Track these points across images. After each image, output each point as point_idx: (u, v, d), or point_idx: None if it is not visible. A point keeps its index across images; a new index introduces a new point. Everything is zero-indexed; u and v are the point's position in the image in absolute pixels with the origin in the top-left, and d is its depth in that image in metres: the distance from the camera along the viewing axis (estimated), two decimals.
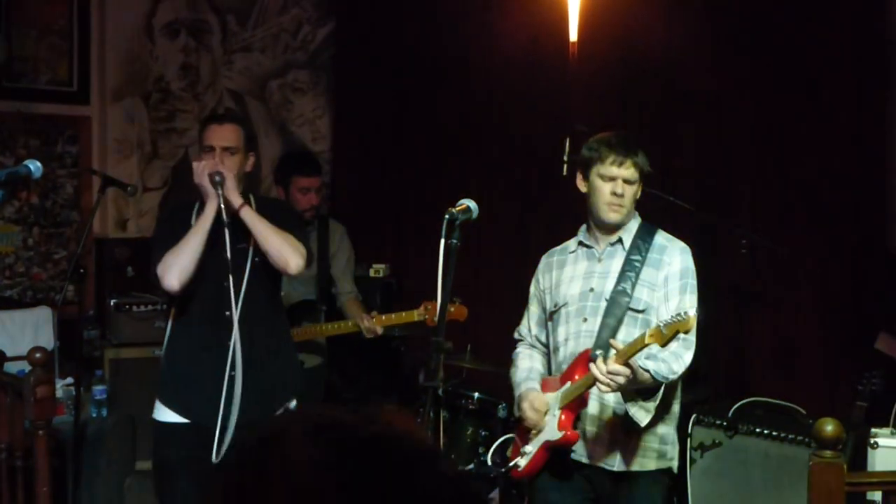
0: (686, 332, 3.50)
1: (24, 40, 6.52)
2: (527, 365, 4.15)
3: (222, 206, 4.02)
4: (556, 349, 4.03)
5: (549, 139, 6.05)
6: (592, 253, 4.02)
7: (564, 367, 3.95)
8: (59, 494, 4.81)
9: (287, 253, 4.12)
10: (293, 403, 4.34)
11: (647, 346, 3.52)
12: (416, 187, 7.14)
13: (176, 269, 4.06)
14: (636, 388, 3.69)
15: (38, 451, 4.08)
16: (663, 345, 3.50)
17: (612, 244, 3.99)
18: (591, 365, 3.58)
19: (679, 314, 3.44)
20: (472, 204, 3.08)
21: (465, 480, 3.19)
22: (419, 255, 6.16)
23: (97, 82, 6.77)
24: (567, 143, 5.25)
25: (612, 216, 3.90)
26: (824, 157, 5.87)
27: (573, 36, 5.94)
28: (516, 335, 4.28)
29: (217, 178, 4.04)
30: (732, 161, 6.17)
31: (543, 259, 4.22)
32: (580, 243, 4.07)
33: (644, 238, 3.97)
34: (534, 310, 4.21)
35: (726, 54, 6.17)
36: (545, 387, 3.99)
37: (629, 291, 3.87)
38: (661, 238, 4.00)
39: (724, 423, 4.88)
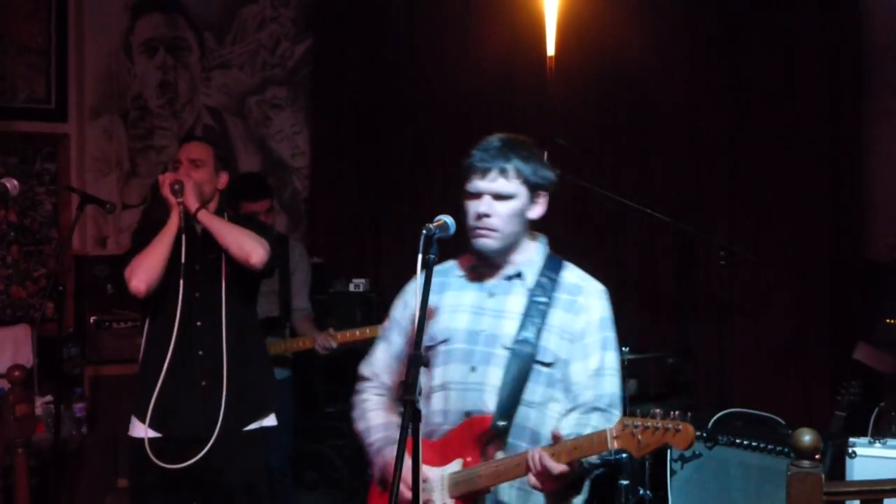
0: (685, 448, 2.79)
1: (2, 58, 6.50)
2: (381, 419, 3.28)
3: (180, 212, 4.06)
4: (427, 396, 3.20)
5: None
6: (483, 284, 3.22)
7: (437, 423, 3.16)
8: None
9: (248, 246, 4.10)
10: (270, 419, 4.33)
11: (605, 452, 2.83)
12: (395, 202, 7.16)
13: (141, 271, 4.06)
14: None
15: (17, 470, 4.05)
16: (640, 455, 2.81)
17: (510, 278, 3.21)
18: (532, 462, 2.88)
19: (669, 423, 2.72)
20: (449, 220, 3.05)
21: None
22: (398, 269, 6.17)
23: (75, 100, 6.75)
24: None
25: (479, 242, 3.13)
26: (802, 168, 5.92)
27: (551, 50, 5.97)
28: (365, 372, 3.40)
29: (176, 187, 4.09)
30: (709, 173, 6.21)
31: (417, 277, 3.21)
32: (471, 267, 3.27)
33: (550, 275, 3.21)
34: (395, 339, 3.35)
35: (702, 67, 6.22)
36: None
37: (534, 340, 3.09)
38: (572, 275, 3.24)
39: (704, 435, 4.89)
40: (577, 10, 6.15)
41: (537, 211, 3.21)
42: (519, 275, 3.20)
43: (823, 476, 2.90)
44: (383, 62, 7.23)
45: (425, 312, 2.78)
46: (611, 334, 3.19)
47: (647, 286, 6.32)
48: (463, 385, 3.12)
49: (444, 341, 3.17)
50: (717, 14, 6.21)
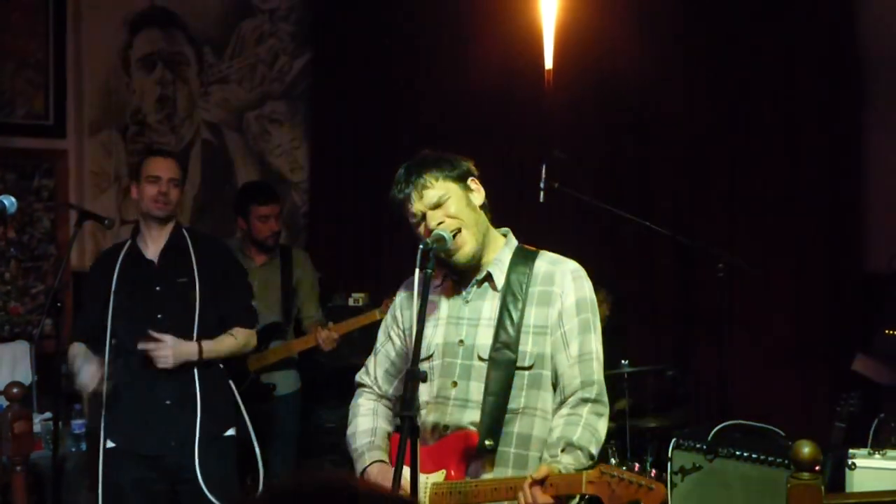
0: None
1: (0, 74, 6.51)
2: (368, 424, 3.26)
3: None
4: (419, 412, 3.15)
5: (526, 165, 6.08)
6: (457, 292, 3.20)
7: (427, 436, 3.13)
8: None
9: (244, 351, 4.61)
10: (231, 431, 4.48)
11: (581, 496, 2.83)
12: (394, 217, 7.14)
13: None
14: None
15: (15, 488, 4.04)
16: None
17: (480, 282, 3.16)
18: (525, 497, 2.82)
19: (643, 479, 2.71)
20: (446, 234, 3.08)
21: None
22: (397, 284, 6.17)
23: (74, 115, 6.76)
24: (544, 170, 5.27)
25: (454, 256, 3.10)
26: (799, 179, 5.91)
27: (549, 64, 5.97)
28: (361, 380, 3.42)
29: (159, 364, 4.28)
30: (707, 184, 6.21)
31: (402, 290, 3.39)
32: (444, 276, 3.23)
33: (521, 269, 3.13)
34: (387, 352, 3.35)
35: (700, 78, 6.23)
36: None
37: (513, 345, 3.03)
38: (544, 263, 3.17)
39: (704, 447, 4.88)
40: (575, 23, 6.16)
41: (478, 196, 3.22)
42: (488, 276, 3.16)
43: (823, 488, 2.90)
44: (382, 77, 7.24)
45: (423, 326, 2.79)
46: (589, 315, 3.11)
47: (645, 298, 6.31)
48: (444, 400, 3.10)
49: (428, 357, 3.14)
50: (714, 26, 6.22)
